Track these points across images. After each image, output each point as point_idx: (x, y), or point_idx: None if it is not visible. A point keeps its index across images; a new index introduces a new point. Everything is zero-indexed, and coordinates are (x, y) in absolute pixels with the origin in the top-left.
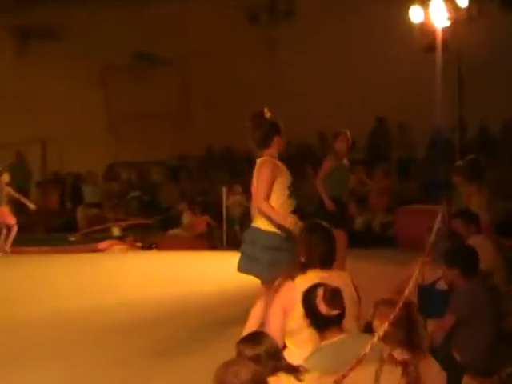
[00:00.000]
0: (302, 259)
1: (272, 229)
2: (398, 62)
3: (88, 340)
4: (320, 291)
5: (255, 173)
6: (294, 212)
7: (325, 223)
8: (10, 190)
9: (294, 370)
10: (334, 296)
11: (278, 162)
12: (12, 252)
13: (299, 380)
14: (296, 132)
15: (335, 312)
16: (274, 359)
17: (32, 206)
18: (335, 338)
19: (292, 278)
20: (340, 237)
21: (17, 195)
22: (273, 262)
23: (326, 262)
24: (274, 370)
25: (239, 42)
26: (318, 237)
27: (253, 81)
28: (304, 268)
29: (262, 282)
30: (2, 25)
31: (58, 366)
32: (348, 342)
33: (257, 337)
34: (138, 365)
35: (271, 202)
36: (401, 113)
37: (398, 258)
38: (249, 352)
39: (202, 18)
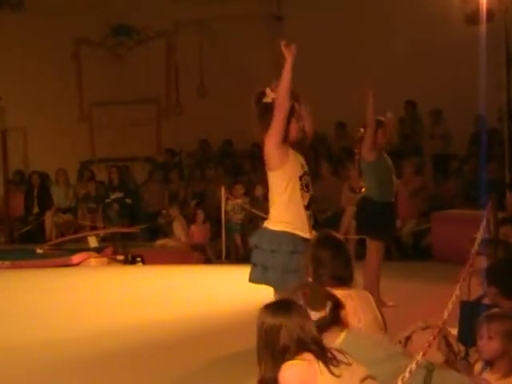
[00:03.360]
0: (309, 278)
1: (283, 228)
2: (432, 36)
3: (56, 368)
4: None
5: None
6: (308, 207)
7: (337, 234)
8: None
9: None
10: (315, 297)
11: (290, 149)
12: None
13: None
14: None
15: (321, 314)
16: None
17: None
18: (341, 337)
19: None
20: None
21: None
22: (286, 268)
23: (341, 278)
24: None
25: (240, 13)
26: (327, 252)
27: (256, 61)
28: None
29: (275, 291)
30: None
31: None
32: (353, 336)
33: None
34: None
35: (276, 199)
36: (435, 97)
37: (433, 273)
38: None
39: None
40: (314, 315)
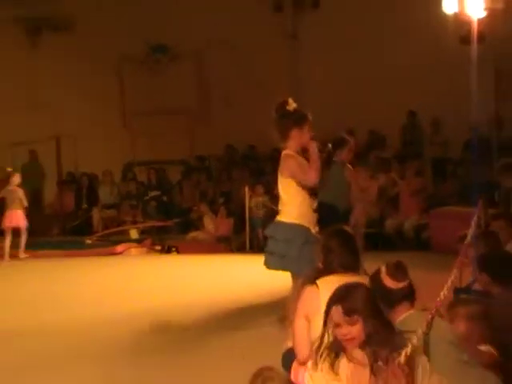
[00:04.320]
0: (320, 265)
1: (295, 221)
2: (430, 54)
3: (104, 347)
4: (383, 267)
5: (279, 167)
6: (316, 210)
7: (346, 227)
8: (21, 191)
9: None
10: (398, 268)
11: (299, 157)
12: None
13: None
14: (323, 129)
15: (401, 284)
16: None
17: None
18: (405, 314)
19: (311, 282)
20: None
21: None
22: (301, 255)
23: (349, 266)
24: None
25: (261, 33)
26: (336, 242)
27: (276, 75)
28: (322, 273)
29: (293, 276)
30: (13, 18)
31: (70, 374)
32: (416, 317)
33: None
34: (165, 371)
35: (289, 200)
36: (434, 107)
37: (432, 262)
38: None
39: (221, 7)
40: (395, 284)
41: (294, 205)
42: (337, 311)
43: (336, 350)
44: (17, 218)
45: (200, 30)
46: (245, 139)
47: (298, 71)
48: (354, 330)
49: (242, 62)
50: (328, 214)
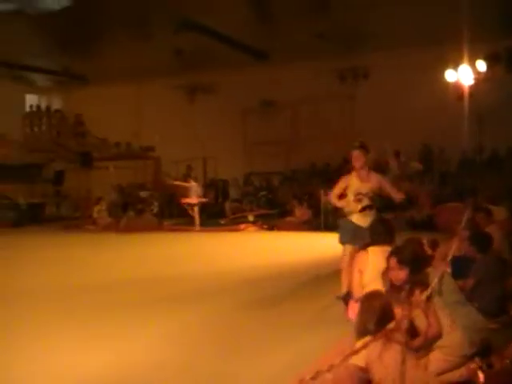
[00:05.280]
0: (369, 239)
1: (351, 218)
2: (438, 107)
3: (231, 286)
4: (424, 240)
5: None
6: (362, 211)
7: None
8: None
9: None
10: (434, 242)
11: (354, 174)
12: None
13: None
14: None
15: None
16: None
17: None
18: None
19: (364, 249)
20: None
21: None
22: (355, 236)
23: (387, 240)
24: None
25: (332, 94)
26: (380, 227)
27: (339, 122)
28: (370, 244)
29: (342, 244)
30: (177, 83)
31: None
32: (433, 272)
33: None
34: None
35: (345, 200)
36: (440, 139)
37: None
38: None
39: (305, 77)
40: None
41: (349, 205)
42: (392, 260)
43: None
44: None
45: (294, 92)
46: (322, 159)
47: (355, 118)
48: (402, 274)
49: (320, 113)
50: None
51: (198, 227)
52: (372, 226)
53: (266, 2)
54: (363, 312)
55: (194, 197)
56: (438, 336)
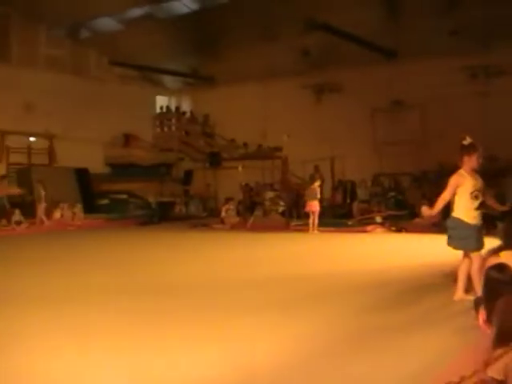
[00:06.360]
0: (502, 243)
1: (461, 217)
2: None
3: (345, 289)
4: None
5: None
6: (478, 209)
7: None
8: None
9: None
10: None
11: (466, 174)
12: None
13: None
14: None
15: None
16: None
17: None
18: None
19: (496, 253)
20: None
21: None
22: (478, 239)
23: None
24: None
25: (463, 92)
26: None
27: (470, 120)
28: (503, 249)
29: (472, 252)
30: (305, 84)
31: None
32: None
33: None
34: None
35: (457, 201)
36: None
37: None
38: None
39: (435, 75)
40: None
41: (457, 205)
42: None
43: None
44: (314, 206)
45: (423, 91)
46: (451, 159)
47: (488, 117)
48: None
49: (449, 111)
50: None
51: (315, 230)
52: (505, 229)
53: (396, 0)
54: (504, 315)
55: (315, 201)
56: None
